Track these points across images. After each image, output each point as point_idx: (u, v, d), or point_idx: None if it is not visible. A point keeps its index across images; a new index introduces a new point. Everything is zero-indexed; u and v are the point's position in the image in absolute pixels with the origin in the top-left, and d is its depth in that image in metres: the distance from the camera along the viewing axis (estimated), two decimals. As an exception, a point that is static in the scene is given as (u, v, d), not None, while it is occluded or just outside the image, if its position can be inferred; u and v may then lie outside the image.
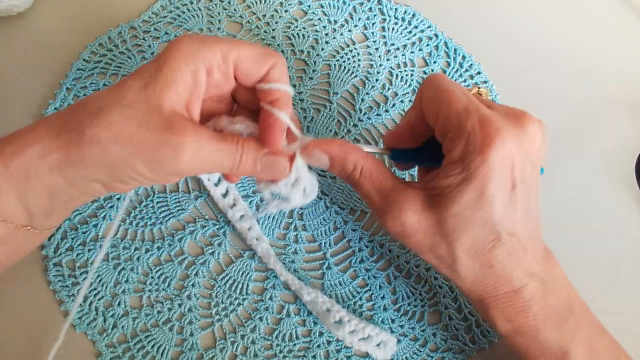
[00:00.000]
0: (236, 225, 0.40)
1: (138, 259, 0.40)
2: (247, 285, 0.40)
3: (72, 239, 0.39)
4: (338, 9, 0.50)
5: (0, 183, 0.28)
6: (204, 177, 0.41)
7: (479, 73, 0.49)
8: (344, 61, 0.48)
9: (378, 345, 0.38)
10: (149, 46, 0.47)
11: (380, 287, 0.41)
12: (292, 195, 0.33)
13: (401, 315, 0.40)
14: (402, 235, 0.31)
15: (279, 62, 0.32)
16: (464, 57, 0.49)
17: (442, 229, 0.30)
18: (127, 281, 0.39)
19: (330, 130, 0.45)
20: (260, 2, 0.50)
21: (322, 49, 0.48)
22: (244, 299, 0.39)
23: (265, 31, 0.49)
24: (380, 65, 0.48)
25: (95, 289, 0.39)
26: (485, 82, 0.48)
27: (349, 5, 0.51)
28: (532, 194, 0.30)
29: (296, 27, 0.49)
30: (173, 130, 0.28)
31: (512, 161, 0.28)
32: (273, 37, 0.48)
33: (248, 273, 0.40)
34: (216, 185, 0.41)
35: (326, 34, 0.49)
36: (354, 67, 0.48)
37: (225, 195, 0.41)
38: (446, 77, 0.32)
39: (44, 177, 0.28)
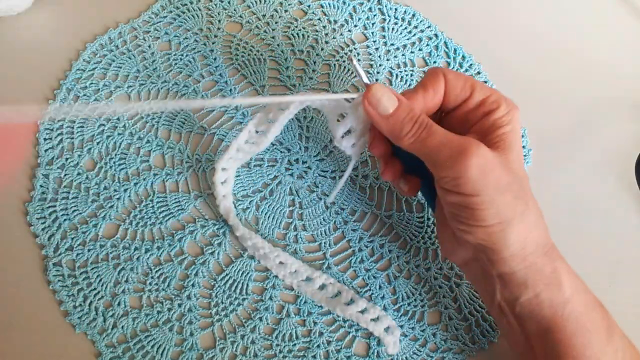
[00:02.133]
0: (236, 227, 0.40)
1: (138, 259, 0.40)
2: (247, 285, 0.40)
3: (72, 239, 0.39)
4: (338, 9, 0.50)
5: None
6: (217, 178, 0.41)
7: (479, 73, 0.49)
8: (343, 61, 0.48)
9: (386, 330, 0.38)
10: (149, 46, 0.47)
11: (380, 287, 0.41)
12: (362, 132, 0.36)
13: (401, 315, 0.40)
14: (482, 171, 0.30)
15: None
16: (463, 57, 0.49)
17: (512, 169, 0.32)
18: (127, 281, 0.39)
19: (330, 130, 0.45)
20: (260, 2, 0.50)
21: (322, 49, 0.48)
22: (243, 299, 0.39)
23: (265, 31, 0.49)
24: (380, 65, 0.48)
25: (95, 288, 0.39)
26: (486, 82, 0.48)
27: (348, 5, 0.51)
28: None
29: (296, 27, 0.49)
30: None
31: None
32: (273, 37, 0.48)
33: (248, 273, 0.40)
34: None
35: (326, 34, 0.49)
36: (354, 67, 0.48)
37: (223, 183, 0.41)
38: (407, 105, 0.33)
39: None
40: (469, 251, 0.35)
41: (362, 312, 0.38)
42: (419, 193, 0.41)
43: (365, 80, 0.35)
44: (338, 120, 0.36)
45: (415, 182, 0.37)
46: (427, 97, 0.34)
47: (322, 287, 0.40)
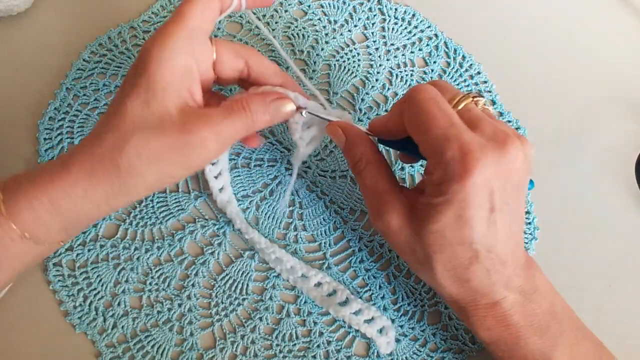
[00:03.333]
0: (235, 220, 0.40)
1: (138, 259, 0.40)
2: (247, 285, 0.40)
3: (72, 239, 0.39)
4: (338, 9, 0.50)
5: (47, 218, 0.29)
6: (208, 172, 0.41)
7: (479, 73, 0.49)
8: (343, 61, 0.48)
9: (380, 331, 0.38)
10: (149, 46, 0.46)
11: (380, 287, 0.41)
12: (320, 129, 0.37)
13: (401, 315, 0.40)
14: (386, 234, 0.33)
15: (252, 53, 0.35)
16: (463, 57, 0.49)
17: (422, 241, 0.30)
18: (127, 281, 0.39)
19: (330, 130, 0.45)
20: (260, 2, 0.50)
21: (322, 49, 0.48)
22: (243, 299, 0.39)
23: (265, 31, 0.48)
24: (380, 65, 0.48)
25: (95, 289, 0.39)
26: (485, 82, 0.48)
27: (349, 5, 0.51)
28: (515, 213, 0.30)
29: (296, 27, 0.49)
30: (191, 129, 0.29)
31: (491, 187, 0.28)
32: (273, 37, 0.48)
33: (248, 273, 0.40)
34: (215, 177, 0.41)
35: (326, 34, 0.49)
36: (354, 67, 0.48)
37: (221, 190, 0.41)
38: (428, 92, 0.31)
39: (91, 211, 0.31)
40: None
41: (355, 313, 0.38)
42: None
43: (324, 116, 0.36)
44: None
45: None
46: (389, 124, 0.35)
47: (318, 284, 0.40)
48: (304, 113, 0.35)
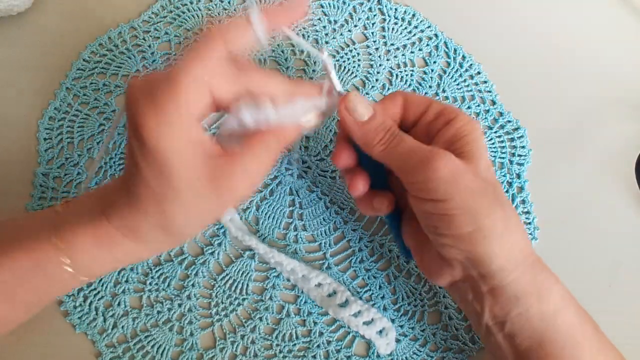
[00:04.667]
0: (229, 228, 0.40)
1: (138, 259, 0.40)
2: (247, 285, 0.40)
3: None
4: (338, 9, 0.50)
5: (103, 261, 0.31)
6: None
7: (479, 73, 0.49)
8: (344, 61, 0.48)
9: (380, 332, 0.38)
10: (149, 46, 0.47)
11: (380, 287, 0.41)
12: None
13: (401, 315, 0.40)
14: (452, 175, 0.30)
15: (230, 31, 0.30)
16: (464, 57, 0.49)
17: (480, 176, 0.32)
18: (127, 281, 0.39)
19: (330, 130, 0.45)
20: (260, 2, 0.50)
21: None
22: (243, 299, 0.39)
23: (265, 31, 0.48)
24: (380, 65, 0.48)
25: (95, 289, 0.39)
26: (485, 82, 0.48)
27: (348, 5, 0.51)
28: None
29: (296, 27, 0.49)
30: (222, 186, 0.29)
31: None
32: (273, 37, 0.48)
33: (248, 273, 0.40)
34: None
35: (326, 34, 0.49)
36: (354, 67, 0.48)
37: None
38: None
39: (144, 256, 0.33)
40: (457, 271, 0.33)
41: (355, 315, 0.38)
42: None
43: (339, 88, 0.34)
44: None
45: (389, 196, 0.36)
46: (386, 109, 0.35)
47: (318, 285, 0.40)
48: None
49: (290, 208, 0.43)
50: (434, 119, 0.34)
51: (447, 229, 0.31)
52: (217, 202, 0.29)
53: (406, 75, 0.48)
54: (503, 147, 0.46)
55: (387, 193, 0.36)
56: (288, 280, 0.40)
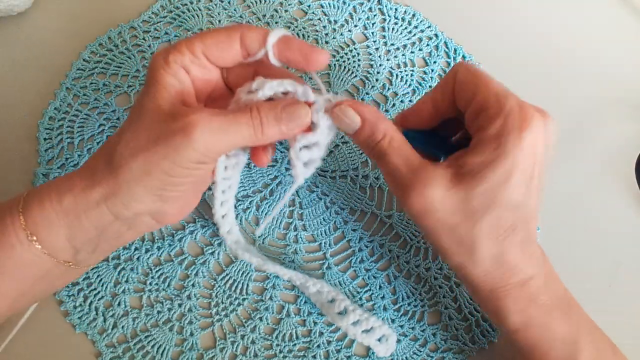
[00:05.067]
0: (226, 240, 0.39)
1: (138, 259, 0.40)
2: (247, 285, 0.40)
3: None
4: (338, 9, 0.50)
5: (53, 217, 0.29)
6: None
7: (479, 73, 0.49)
8: (344, 61, 0.48)
9: (379, 339, 0.38)
10: (149, 46, 0.47)
11: (380, 287, 0.41)
12: (322, 149, 0.33)
13: (401, 315, 0.40)
14: (424, 211, 0.30)
15: (245, 30, 0.31)
16: (464, 57, 0.49)
17: (467, 208, 0.30)
18: (127, 281, 0.39)
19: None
20: (260, 2, 0.50)
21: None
22: (244, 299, 0.39)
23: (265, 31, 0.48)
24: (380, 65, 0.48)
25: (95, 289, 0.39)
26: (485, 82, 0.48)
27: (349, 5, 0.51)
28: (541, 187, 0.31)
29: (296, 27, 0.49)
30: (175, 117, 0.29)
31: (538, 149, 0.29)
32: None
33: (248, 273, 0.40)
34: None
35: (326, 34, 0.49)
36: (354, 67, 0.48)
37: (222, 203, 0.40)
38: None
39: (93, 213, 0.29)
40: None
41: (353, 324, 0.38)
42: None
43: (326, 95, 0.32)
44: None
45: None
46: (423, 109, 0.34)
47: (317, 293, 0.39)
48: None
49: (290, 208, 0.43)
50: (474, 115, 0.31)
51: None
52: (164, 142, 0.28)
53: (406, 75, 0.48)
54: (503, 147, 0.46)
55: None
56: (288, 281, 0.40)
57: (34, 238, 0.29)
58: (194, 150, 0.28)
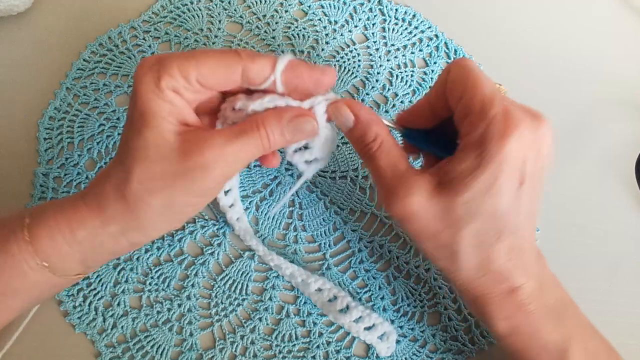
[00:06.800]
0: (234, 226, 0.40)
1: (137, 259, 0.40)
2: (247, 285, 0.40)
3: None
4: (338, 9, 0.50)
5: (66, 249, 0.30)
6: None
7: (479, 73, 0.49)
8: (344, 62, 0.48)
9: (381, 337, 0.38)
10: (149, 46, 0.47)
11: (379, 287, 0.41)
12: (323, 152, 0.33)
13: (401, 316, 0.40)
14: (406, 218, 0.30)
15: (248, 64, 0.29)
16: (464, 58, 0.49)
17: (449, 216, 0.30)
18: (126, 281, 0.39)
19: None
20: (261, 2, 0.50)
21: (323, 50, 0.48)
22: (243, 300, 0.39)
23: (265, 31, 0.48)
24: (380, 65, 0.48)
25: (94, 289, 0.39)
26: (485, 82, 0.48)
27: (349, 5, 0.51)
28: (536, 193, 0.30)
29: (296, 27, 0.49)
30: (188, 154, 0.28)
31: (526, 156, 0.28)
32: (273, 38, 0.48)
33: (248, 273, 0.40)
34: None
35: (326, 35, 0.49)
36: (354, 67, 0.48)
37: (226, 192, 0.41)
38: (475, 63, 0.32)
39: (111, 245, 0.30)
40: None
41: (356, 320, 0.38)
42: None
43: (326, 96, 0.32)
44: None
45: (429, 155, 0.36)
46: (423, 108, 0.34)
47: (319, 290, 0.39)
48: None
49: (290, 208, 0.43)
50: (461, 118, 0.31)
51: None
52: (181, 173, 0.28)
53: (406, 75, 0.48)
54: (503, 147, 0.46)
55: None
56: (289, 282, 0.40)
57: (46, 264, 0.30)
58: (212, 180, 0.29)
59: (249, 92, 0.31)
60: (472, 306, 0.34)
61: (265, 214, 0.42)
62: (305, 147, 0.33)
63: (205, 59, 0.29)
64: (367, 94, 0.47)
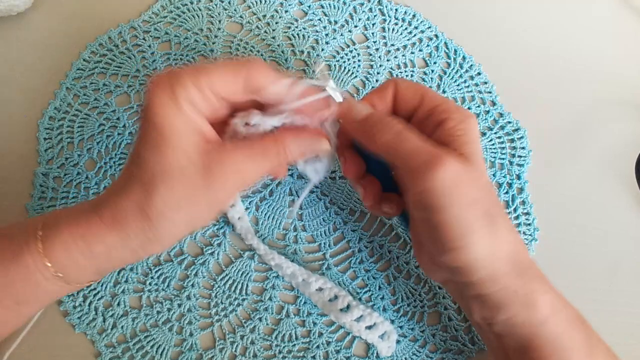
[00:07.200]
0: (236, 225, 0.40)
1: (138, 259, 0.40)
2: (247, 285, 0.40)
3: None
4: (338, 9, 0.50)
5: (82, 262, 0.30)
6: None
7: (479, 74, 0.49)
8: (344, 62, 0.48)
9: (382, 336, 0.38)
10: (149, 46, 0.47)
11: (379, 287, 0.41)
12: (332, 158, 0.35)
13: (401, 316, 0.40)
14: (454, 182, 0.29)
15: (269, 85, 0.31)
16: (464, 58, 0.49)
17: (480, 183, 0.31)
18: (126, 281, 0.39)
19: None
20: (261, 2, 0.50)
21: (323, 50, 0.48)
22: (243, 300, 0.39)
23: (265, 31, 0.49)
24: (380, 65, 0.48)
25: (94, 289, 0.39)
26: (486, 82, 0.48)
27: (349, 5, 0.51)
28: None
29: (296, 27, 0.49)
30: (213, 174, 0.29)
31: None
32: (273, 38, 0.48)
33: (247, 273, 0.40)
34: None
35: (326, 35, 0.49)
36: (354, 67, 0.48)
37: None
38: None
39: (128, 258, 0.31)
40: (446, 274, 0.33)
41: (357, 319, 0.38)
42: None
43: (339, 99, 0.34)
44: None
45: (397, 200, 0.36)
46: (374, 104, 0.34)
47: (319, 290, 0.39)
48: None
49: (290, 208, 0.43)
50: (425, 117, 0.33)
51: (434, 240, 0.31)
52: (204, 190, 0.29)
53: (406, 75, 0.48)
54: (503, 148, 0.46)
55: (394, 196, 0.36)
56: (289, 282, 0.40)
57: (61, 275, 0.30)
58: (231, 195, 0.32)
59: (260, 107, 0.32)
60: (490, 298, 0.32)
61: (265, 214, 0.42)
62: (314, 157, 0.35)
63: (214, 68, 0.29)
64: (367, 94, 0.47)
